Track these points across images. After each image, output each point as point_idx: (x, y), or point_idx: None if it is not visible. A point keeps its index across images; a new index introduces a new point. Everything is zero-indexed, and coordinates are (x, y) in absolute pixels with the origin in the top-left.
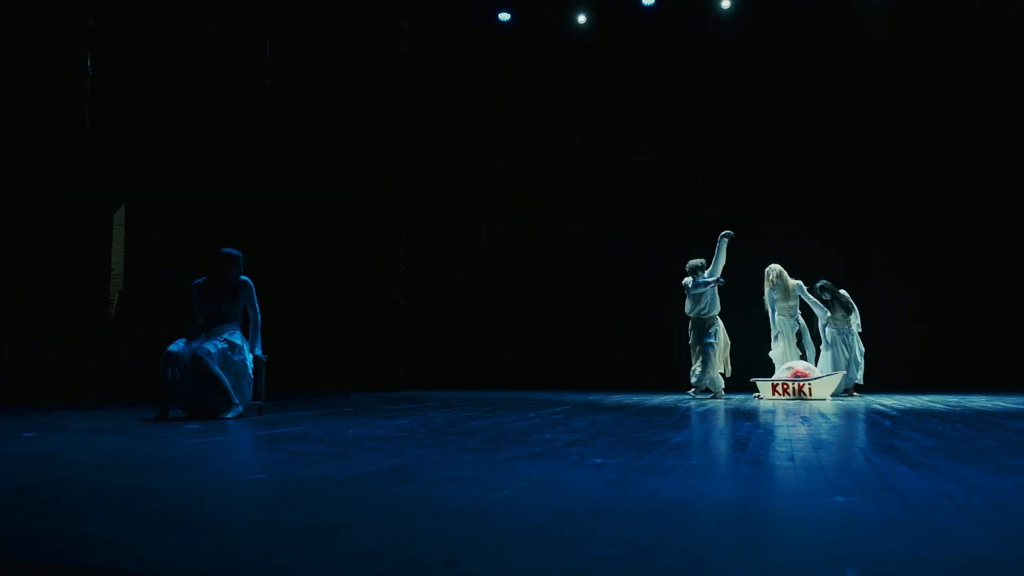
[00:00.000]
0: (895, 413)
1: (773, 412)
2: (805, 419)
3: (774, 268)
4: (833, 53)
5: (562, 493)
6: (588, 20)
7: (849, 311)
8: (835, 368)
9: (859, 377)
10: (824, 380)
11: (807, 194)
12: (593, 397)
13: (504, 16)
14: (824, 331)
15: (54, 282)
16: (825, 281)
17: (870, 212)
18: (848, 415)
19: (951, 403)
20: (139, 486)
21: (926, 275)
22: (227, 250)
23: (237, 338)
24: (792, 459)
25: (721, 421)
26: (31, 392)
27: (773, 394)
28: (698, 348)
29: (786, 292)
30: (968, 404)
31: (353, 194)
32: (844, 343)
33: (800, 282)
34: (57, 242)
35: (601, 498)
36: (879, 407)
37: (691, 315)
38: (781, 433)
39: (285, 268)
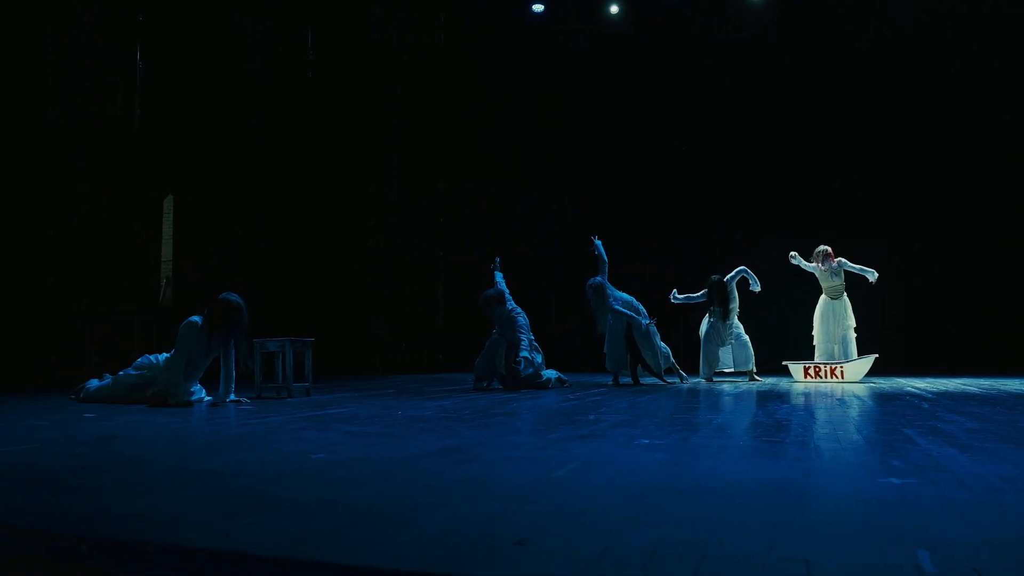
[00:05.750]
0: (931, 395)
1: (808, 394)
2: (842, 401)
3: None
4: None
5: (618, 473)
6: (620, 11)
7: (725, 304)
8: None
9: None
10: (856, 363)
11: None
12: (625, 380)
13: (537, 7)
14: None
15: (104, 270)
16: (716, 276)
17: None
18: (884, 398)
19: (984, 386)
20: (210, 467)
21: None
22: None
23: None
24: (838, 441)
25: (758, 403)
26: (79, 378)
27: (805, 377)
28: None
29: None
30: (1003, 387)
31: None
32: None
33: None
34: (109, 232)
35: (657, 478)
36: (912, 389)
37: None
38: (820, 415)
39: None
